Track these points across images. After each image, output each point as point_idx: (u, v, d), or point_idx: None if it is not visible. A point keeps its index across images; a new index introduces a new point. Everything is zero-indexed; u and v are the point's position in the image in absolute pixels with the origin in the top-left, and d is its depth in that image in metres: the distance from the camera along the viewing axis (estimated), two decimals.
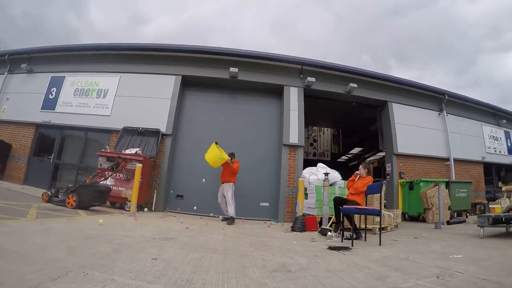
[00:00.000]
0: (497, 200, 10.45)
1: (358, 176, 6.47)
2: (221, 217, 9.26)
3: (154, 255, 3.31)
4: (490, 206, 9.97)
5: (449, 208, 9.85)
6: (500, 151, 15.24)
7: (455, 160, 12.92)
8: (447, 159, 12.86)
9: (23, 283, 1.87)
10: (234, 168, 8.96)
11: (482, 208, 11.53)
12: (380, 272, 3.07)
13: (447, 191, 9.99)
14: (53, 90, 12.46)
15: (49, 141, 12.61)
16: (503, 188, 10.53)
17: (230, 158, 8.88)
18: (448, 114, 13.32)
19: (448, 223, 9.05)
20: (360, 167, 6.56)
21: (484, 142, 14.63)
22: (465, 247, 4.52)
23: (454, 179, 11.99)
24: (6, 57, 13.57)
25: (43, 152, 12.51)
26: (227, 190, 8.84)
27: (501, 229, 5.97)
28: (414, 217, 10.50)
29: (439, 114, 13.31)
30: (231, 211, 8.68)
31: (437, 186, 8.68)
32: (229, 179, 8.95)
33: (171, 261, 3.11)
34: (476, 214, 10.85)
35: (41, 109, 12.36)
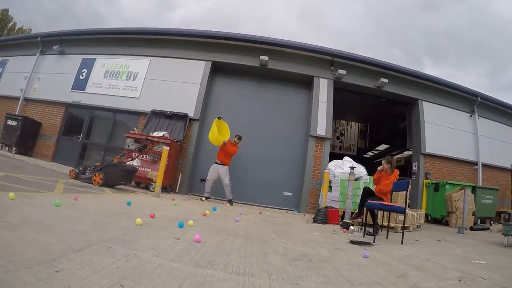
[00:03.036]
0: None
1: (382, 171, 6.28)
2: (203, 197, 9.18)
3: (176, 234, 3.30)
4: None
5: (473, 214, 9.55)
6: None
7: (483, 165, 12.48)
8: (475, 163, 12.43)
9: (46, 253, 1.87)
10: (229, 151, 9.03)
11: (506, 217, 11.26)
12: (401, 270, 3.00)
13: (472, 196, 9.71)
14: (84, 71, 12.77)
15: (78, 121, 12.93)
16: None
17: (224, 142, 8.98)
18: (479, 117, 12.81)
19: (471, 228, 8.84)
20: (383, 161, 6.32)
21: None
22: (488, 254, 4.38)
23: (480, 184, 11.57)
24: (38, 39, 14.04)
25: (72, 131, 12.85)
26: (224, 175, 8.96)
27: None
28: (437, 219, 10.22)
29: (470, 116, 12.80)
30: (229, 194, 8.98)
31: (463, 190, 8.42)
32: (223, 159, 9.07)
33: (193, 242, 3.09)
34: (500, 223, 10.54)
35: (71, 89, 12.70)
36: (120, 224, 3.27)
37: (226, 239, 3.56)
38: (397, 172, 6.20)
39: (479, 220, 10.29)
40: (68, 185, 6.16)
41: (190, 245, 2.95)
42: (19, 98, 13.67)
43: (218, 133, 9.04)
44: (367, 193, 6.16)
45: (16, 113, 13.04)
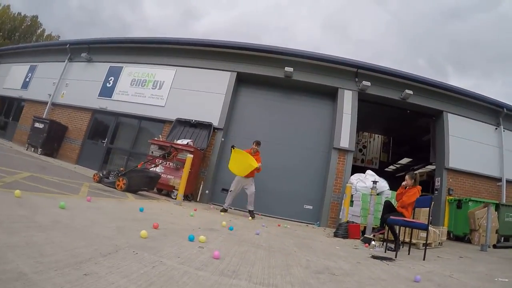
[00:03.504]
0: None
1: (405, 184, 6.17)
2: (224, 206, 8.68)
3: (200, 244, 3.32)
4: None
5: (497, 232, 9.22)
6: None
7: (508, 182, 11.98)
8: (499, 179, 11.93)
9: (74, 256, 1.90)
10: (259, 168, 8.43)
11: None
12: (424, 287, 2.96)
13: (496, 213, 9.36)
14: (111, 79, 13.15)
15: (103, 126, 13.28)
16: None
17: (259, 166, 8.35)
18: (505, 130, 12.37)
19: (494, 246, 8.56)
20: (407, 177, 6.21)
21: None
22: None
23: (504, 201, 11.15)
24: (67, 46, 14.61)
25: (97, 136, 13.20)
26: (250, 183, 8.55)
27: None
28: (459, 237, 9.90)
29: (496, 129, 12.35)
30: (252, 204, 8.56)
31: (486, 208, 8.20)
32: (252, 174, 8.55)
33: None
34: None
35: (98, 96, 13.11)
36: (144, 231, 3.28)
37: (249, 250, 3.55)
38: (419, 187, 6.10)
39: (502, 238, 9.94)
40: (92, 188, 6.27)
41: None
42: (47, 103, 14.17)
43: (239, 162, 8.43)
44: (388, 207, 6.07)
45: (44, 117, 13.45)
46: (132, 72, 12.90)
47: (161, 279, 1.90)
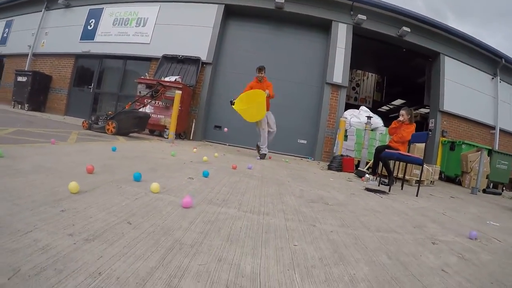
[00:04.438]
0: None
1: (401, 122, 6.00)
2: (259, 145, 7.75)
3: (190, 175, 3.27)
4: None
5: (487, 177, 9.43)
6: None
7: (501, 131, 12.26)
8: (493, 127, 12.21)
9: (53, 195, 1.80)
10: (269, 95, 7.21)
11: None
12: (418, 220, 2.95)
13: (488, 159, 9.52)
14: (92, 22, 12.64)
15: (88, 71, 12.92)
16: None
17: (266, 92, 7.02)
18: (501, 81, 12.40)
19: (484, 191, 8.65)
20: (403, 112, 6.00)
21: None
22: (502, 218, 4.25)
23: (497, 149, 11.36)
24: None
25: (83, 82, 12.88)
26: (270, 116, 7.60)
27: None
28: (451, 178, 10.12)
29: (492, 78, 12.38)
30: (266, 147, 7.52)
31: (479, 152, 8.24)
32: (268, 106, 7.41)
33: (207, 182, 3.07)
34: None
35: (80, 40, 12.64)
36: (132, 167, 3.19)
37: (241, 180, 3.52)
38: (414, 125, 6.02)
39: (491, 184, 10.20)
40: (82, 135, 6.12)
41: (204, 184, 2.91)
42: (28, 55, 13.70)
43: (248, 102, 7.13)
44: (380, 152, 5.93)
45: (26, 69, 13.07)
46: (113, 12, 12.36)
47: (143, 210, 1.82)
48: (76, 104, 12.63)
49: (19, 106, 12.30)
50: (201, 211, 2.02)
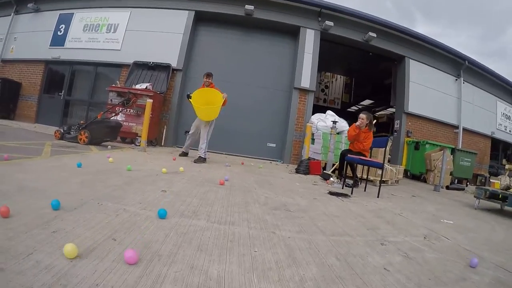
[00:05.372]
0: (498, 176, 10.57)
1: (359, 127, 6.03)
2: (182, 150, 7.89)
3: (163, 187, 3.46)
4: (491, 180, 10.23)
5: (451, 174, 9.92)
6: (510, 130, 15.29)
7: (464, 130, 12.93)
8: (456, 127, 12.86)
9: (41, 216, 1.97)
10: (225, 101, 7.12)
11: (483, 180, 12.02)
12: (373, 223, 3.20)
13: (451, 157, 10.03)
14: (62, 27, 12.47)
15: (58, 78, 12.73)
16: (507, 166, 10.47)
17: (224, 96, 6.98)
18: (464, 82, 13.08)
19: (447, 187, 9.22)
20: (363, 116, 6.04)
21: (495, 118, 14.61)
22: (458, 215, 4.56)
23: (460, 147, 12.01)
24: None
25: (53, 89, 12.70)
26: (208, 124, 7.22)
27: (496, 205, 5.93)
28: (416, 176, 10.70)
29: (456, 80, 13.06)
30: (203, 150, 7.10)
31: (442, 151, 8.70)
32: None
33: (179, 194, 3.26)
34: (476, 185, 11.05)
35: (50, 46, 12.44)
36: (108, 182, 3.36)
37: (210, 190, 3.74)
38: (372, 132, 6.27)
39: (456, 180, 10.76)
40: (55, 147, 6.11)
41: (176, 197, 3.11)
42: None
43: (204, 102, 7.04)
44: (345, 155, 6.11)
45: None
46: (84, 17, 12.24)
47: (124, 226, 2.04)
48: (47, 112, 12.44)
49: None
50: (175, 224, 2.26)
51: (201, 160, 7.00)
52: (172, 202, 2.90)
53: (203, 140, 7.11)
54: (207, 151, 7.36)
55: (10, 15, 13.60)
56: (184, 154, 7.75)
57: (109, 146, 7.61)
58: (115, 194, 2.86)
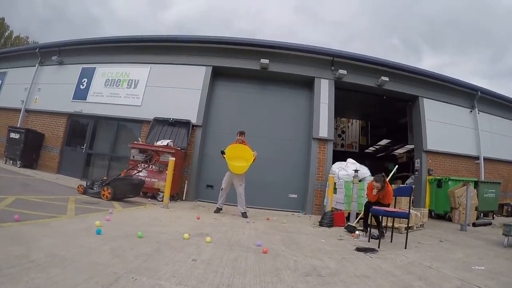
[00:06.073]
0: None
1: (376, 190, 6.03)
2: (217, 206, 8.24)
3: (193, 255, 3.43)
4: None
5: (476, 209, 9.68)
6: None
7: (485, 159, 12.64)
8: (477, 158, 12.58)
9: None
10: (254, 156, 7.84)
11: (509, 209, 11.64)
12: (405, 281, 3.14)
13: (475, 191, 9.80)
14: (84, 81, 12.84)
15: (81, 131, 12.97)
16: None
17: (254, 154, 7.82)
18: (480, 112, 12.95)
19: (474, 224, 8.92)
20: (376, 184, 6.03)
21: None
22: (488, 257, 4.49)
23: (483, 178, 11.74)
24: (37, 50, 14.24)
25: (75, 141, 12.90)
26: (240, 182, 7.93)
27: None
28: (441, 215, 10.38)
29: (471, 111, 12.94)
30: (243, 206, 7.94)
31: (465, 186, 8.52)
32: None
33: (210, 263, 3.23)
34: (503, 215, 10.73)
35: (72, 99, 12.77)
36: (137, 248, 3.37)
37: (240, 256, 3.69)
38: (389, 184, 6.22)
39: (481, 214, 10.43)
40: (78, 203, 6.22)
41: (207, 267, 3.07)
42: (20, 110, 13.74)
43: (236, 157, 7.95)
44: (369, 208, 6.00)
45: (18, 125, 13.15)
46: (105, 72, 12.66)
47: None
48: (69, 163, 12.59)
49: (11, 162, 12.30)
50: None
51: (245, 215, 7.77)
52: (205, 274, 2.86)
53: (242, 197, 7.92)
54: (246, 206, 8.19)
55: (35, 65, 14.14)
56: (218, 210, 8.10)
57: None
58: (147, 266, 2.85)
